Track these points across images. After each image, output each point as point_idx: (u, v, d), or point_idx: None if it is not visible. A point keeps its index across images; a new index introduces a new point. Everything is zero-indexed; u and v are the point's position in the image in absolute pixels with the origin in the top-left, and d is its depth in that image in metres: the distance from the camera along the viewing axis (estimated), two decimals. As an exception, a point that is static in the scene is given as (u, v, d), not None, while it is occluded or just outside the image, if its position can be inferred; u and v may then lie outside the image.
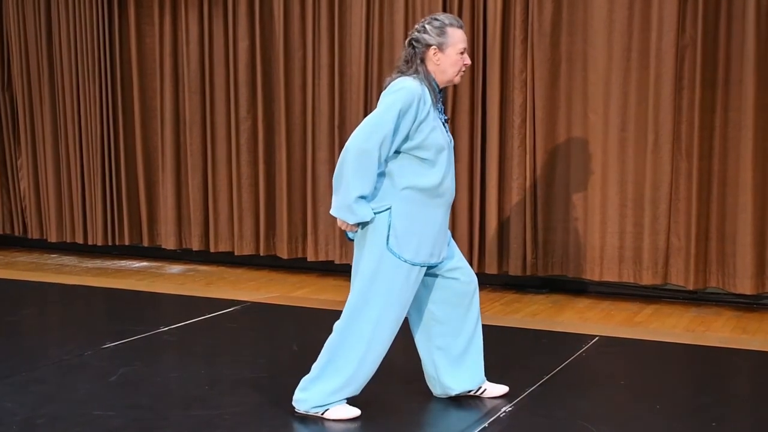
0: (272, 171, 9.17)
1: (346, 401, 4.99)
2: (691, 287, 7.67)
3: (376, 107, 4.87)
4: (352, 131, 8.63)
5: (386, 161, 4.85)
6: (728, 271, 7.58)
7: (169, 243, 9.73)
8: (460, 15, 8.10)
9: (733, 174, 7.50)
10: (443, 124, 4.92)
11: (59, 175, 10.17)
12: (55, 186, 10.19)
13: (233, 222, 9.36)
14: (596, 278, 7.98)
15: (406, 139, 4.80)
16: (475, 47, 8.13)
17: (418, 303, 5.15)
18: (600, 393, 5.52)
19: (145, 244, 9.94)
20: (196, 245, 9.60)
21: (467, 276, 5.17)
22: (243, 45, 9.09)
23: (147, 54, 9.66)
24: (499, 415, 5.03)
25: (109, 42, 9.68)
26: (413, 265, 4.88)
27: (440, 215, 4.95)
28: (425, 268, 4.96)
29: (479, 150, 8.21)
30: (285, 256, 9.16)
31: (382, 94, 4.87)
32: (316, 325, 6.91)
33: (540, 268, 8.15)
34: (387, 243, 4.84)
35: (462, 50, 4.89)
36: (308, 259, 9.04)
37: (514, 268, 8.15)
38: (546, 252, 8.13)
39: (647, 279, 7.79)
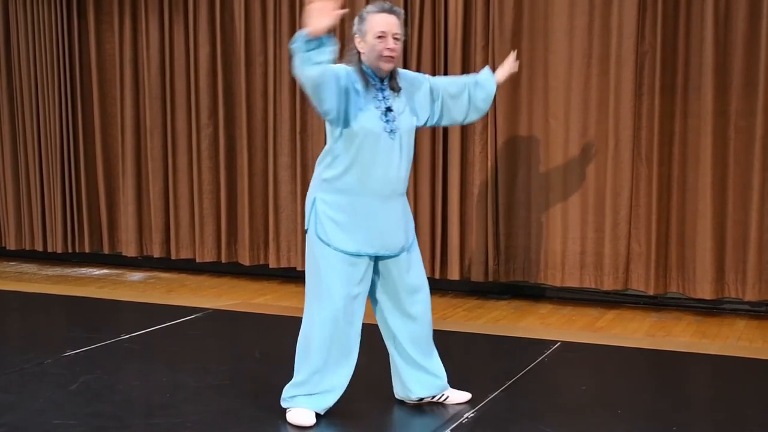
0: (234, 177, 9.14)
1: (313, 411, 4.98)
2: (651, 292, 7.71)
3: None
4: (313, 137, 8.71)
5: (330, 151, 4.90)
6: (688, 276, 7.63)
7: (129, 250, 9.68)
8: (420, 21, 8.13)
9: (692, 179, 7.56)
10: (384, 112, 4.90)
11: (18, 182, 10.10)
12: (14, 193, 10.12)
13: (195, 229, 9.32)
14: (558, 284, 8.02)
15: (346, 114, 4.80)
16: (436, 54, 8.16)
17: (379, 305, 5.17)
18: (562, 398, 5.53)
19: (106, 251, 9.89)
20: (157, 252, 9.56)
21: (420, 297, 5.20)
22: (204, 51, 9.07)
23: (107, 60, 9.62)
24: (461, 421, 5.04)
25: (68, 48, 9.64)
26: (345, 253, 4.89)
27: (370, 205, 4.92)
28: (370, 259, 4.97)
29: (441, 156, 8.22)
30: (247, 263, 9.14)
31: None
32: (278, 332, 6.92)
33: (502, 274, 8.17)
34: (316, 232, 4.91)
35: (379, 34, 4.84)
36: (270, 266, 9.02)
37: (476, 274, 8.17)
38: (508, 258, 8.15)
39: (608, 284, 7.83)
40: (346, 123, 4.81)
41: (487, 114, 7.93)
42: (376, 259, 5.04)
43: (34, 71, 9.83)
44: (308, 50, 4.51)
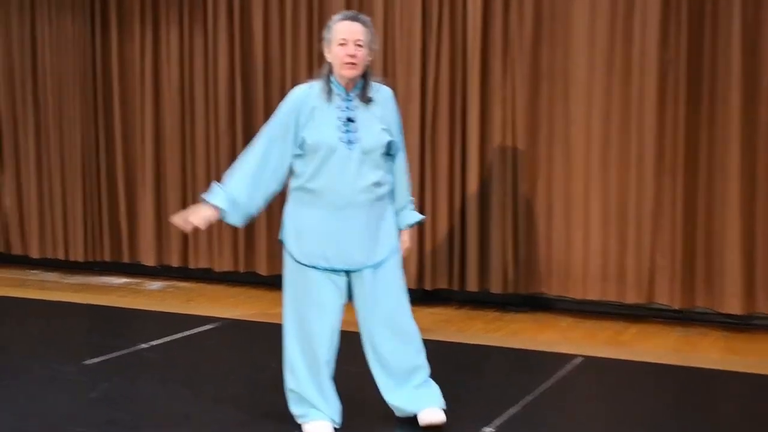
0: (252, 187, 9.09)
1: (329, 420, 4.94)
2: (677, 306, 7.58)
3: None
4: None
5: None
6: (715, 290, 7.46)
7: (149, 259, 9.67)
8: (439, 29, 8.08)
9: (719, 190, 7.40)
10: (344, 122, 4.86)
11: (41, 192, 10.12)
12: (37, 202, 10.15)
13: (212, 238, 9.29)
14: (579, 296, 7.92)
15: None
16: (455, 63, 8.10)
17: (361, 319, 5.08)
18: (583, 415, 5.47)
19: (126, 260, 9.88)
20: (175, 261, 9.54)
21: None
22: (223, 61, 9.05)
23: (128, 71, 9.62)
24: (479, 437, 4.99)
25: (91, 59, 9.68)
26: (302, 264, 4.90)
27: (325, 217, 4.88)
28: (336, 274, 4.93)
29: (459, 166, 8.16)
30: (264, 273, 9.09)
31: None
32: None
33: (521, 285, 8.07)
34: (284, 240, 4.97)
35: (340, 41, 4.83)
36: (288, 276, 8.97)
37: (495, 286, 8.08)
38: (528, 269, 8.05)
39: (631, 297, 7.72)
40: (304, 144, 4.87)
41: (506, 124, 7.94)
42: (347, 274, 4.99)
43: (58, 83, 9.87)
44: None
